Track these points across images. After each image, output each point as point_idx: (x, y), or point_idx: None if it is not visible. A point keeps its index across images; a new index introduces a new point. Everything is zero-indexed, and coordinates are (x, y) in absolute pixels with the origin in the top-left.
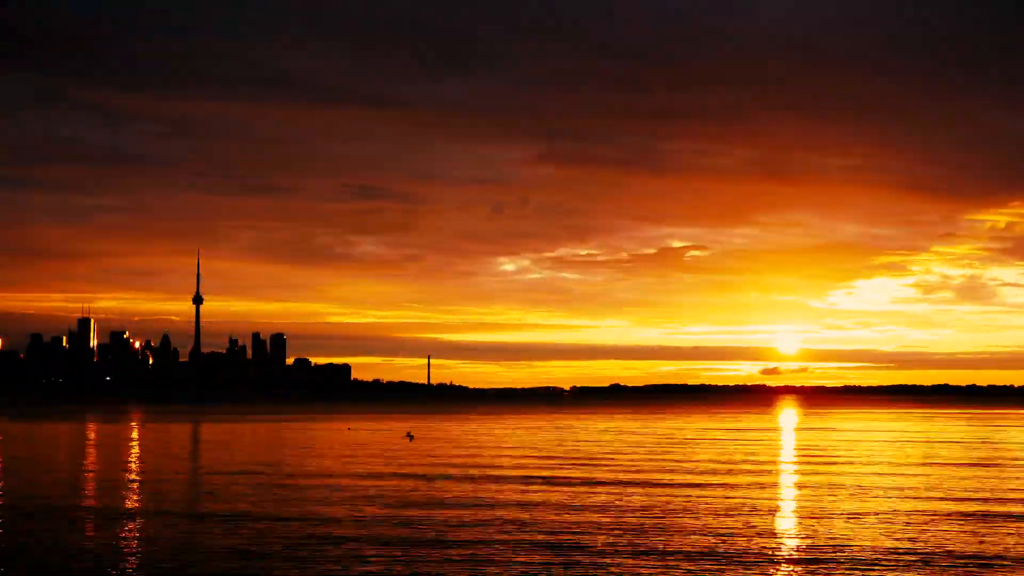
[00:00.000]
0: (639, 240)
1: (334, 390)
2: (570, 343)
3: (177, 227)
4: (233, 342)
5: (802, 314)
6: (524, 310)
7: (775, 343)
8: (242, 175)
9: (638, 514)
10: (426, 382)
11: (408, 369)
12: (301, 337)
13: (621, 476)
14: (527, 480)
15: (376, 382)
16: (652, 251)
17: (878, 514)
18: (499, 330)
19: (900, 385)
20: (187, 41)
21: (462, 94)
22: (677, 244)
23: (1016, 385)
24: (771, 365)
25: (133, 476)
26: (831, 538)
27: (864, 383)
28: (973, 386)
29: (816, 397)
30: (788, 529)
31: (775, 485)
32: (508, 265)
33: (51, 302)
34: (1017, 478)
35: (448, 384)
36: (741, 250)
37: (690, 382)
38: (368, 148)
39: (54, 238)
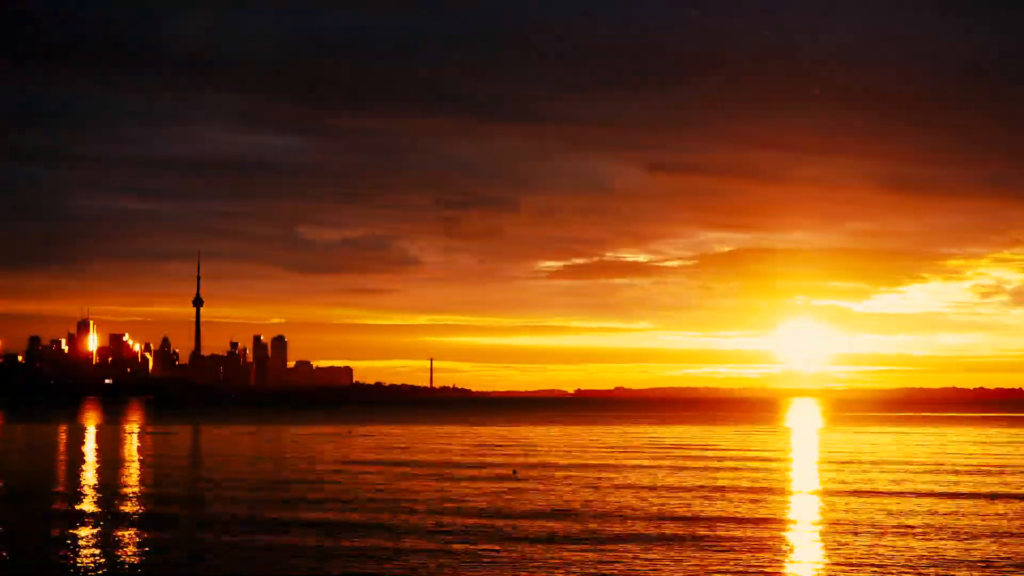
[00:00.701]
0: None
1: (336, 393)
2: (612, 348)
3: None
4: (234, 345)
5: (851, 318)
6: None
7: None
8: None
9: None
10: (428, 385)
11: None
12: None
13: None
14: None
15: (378, 385)
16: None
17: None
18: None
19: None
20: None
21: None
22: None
23: None
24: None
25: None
26: None
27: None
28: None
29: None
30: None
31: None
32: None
33: (50, 304)
34: None
35: (451, 387)
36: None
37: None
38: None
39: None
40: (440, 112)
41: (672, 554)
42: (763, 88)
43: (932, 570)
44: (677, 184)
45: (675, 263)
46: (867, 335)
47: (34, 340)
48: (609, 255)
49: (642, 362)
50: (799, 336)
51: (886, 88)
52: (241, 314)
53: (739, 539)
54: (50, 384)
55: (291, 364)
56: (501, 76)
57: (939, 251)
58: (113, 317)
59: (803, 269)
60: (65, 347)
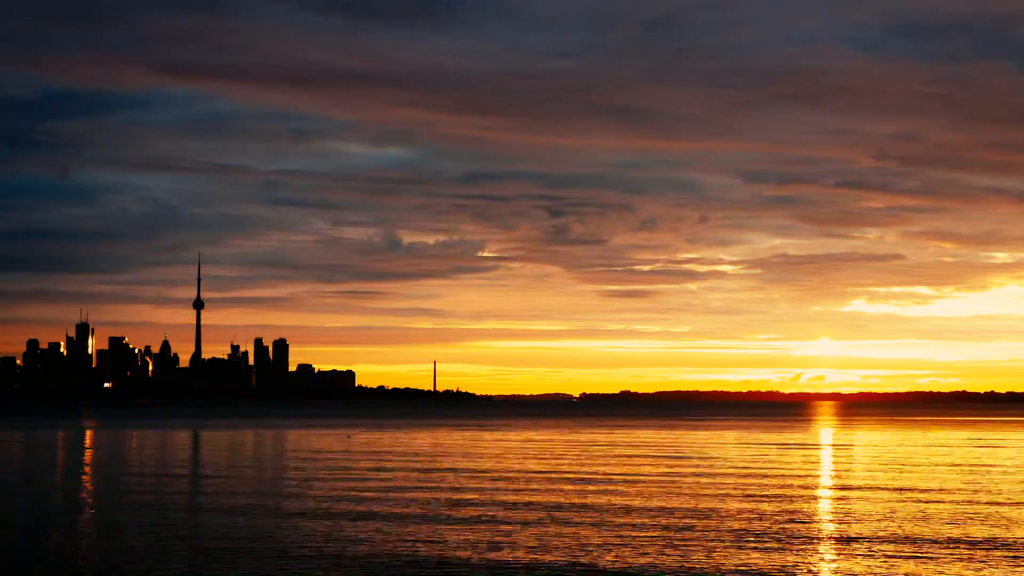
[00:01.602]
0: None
1: (337, 396)
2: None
3: None
4: (235, 348)
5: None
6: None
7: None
8: None
9: None
10: (432, 388)
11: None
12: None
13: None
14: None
15: (380, 388)
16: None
17: None
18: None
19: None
20: None
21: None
22: None
23: None
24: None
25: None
26: None
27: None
28: None
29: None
30: None
31: None
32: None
33: (48, 307)
34: None
35: (455, 391)
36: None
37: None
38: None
39: None
40: None
41: None
42: None
43: None
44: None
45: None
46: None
47: (32, 343)
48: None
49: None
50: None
51: None
52: (242, 317)
53: None
54: (48, 388)
55: (292, 368)
56: None
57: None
58: (112, 320)
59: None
60: (64, 350)
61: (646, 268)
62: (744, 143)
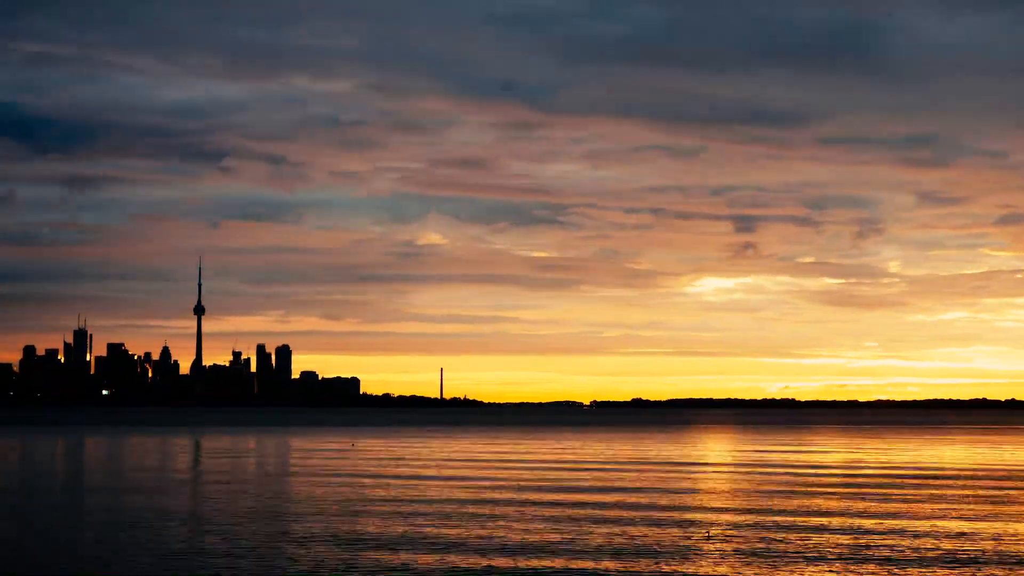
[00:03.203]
0: None
1: (342, 404)
2: None
3: None
4: (237, 355)
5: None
6: None
7: None
8: None
9: None
10: (439, 395)
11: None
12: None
13: None
14: None
15: (386, 396)
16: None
17: None
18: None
19: None
20: None
21: None
22: None
23: None
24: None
25: None
26: None
27: None
28: None
29: None
30: None
31: None
32: None
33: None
34: None
35: (462, 399)
36: None
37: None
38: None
39: None
40: None
41: None
42: None
43: None
44: None
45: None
46: None
47: (29, 349)
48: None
49: None
50: None
51: None
52: (244, 323)
53: None
54: (46, 396)
55: (295, 375)
56: None
57: None
58: (111, 325)
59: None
60: (61, 357)
61: None
62: None
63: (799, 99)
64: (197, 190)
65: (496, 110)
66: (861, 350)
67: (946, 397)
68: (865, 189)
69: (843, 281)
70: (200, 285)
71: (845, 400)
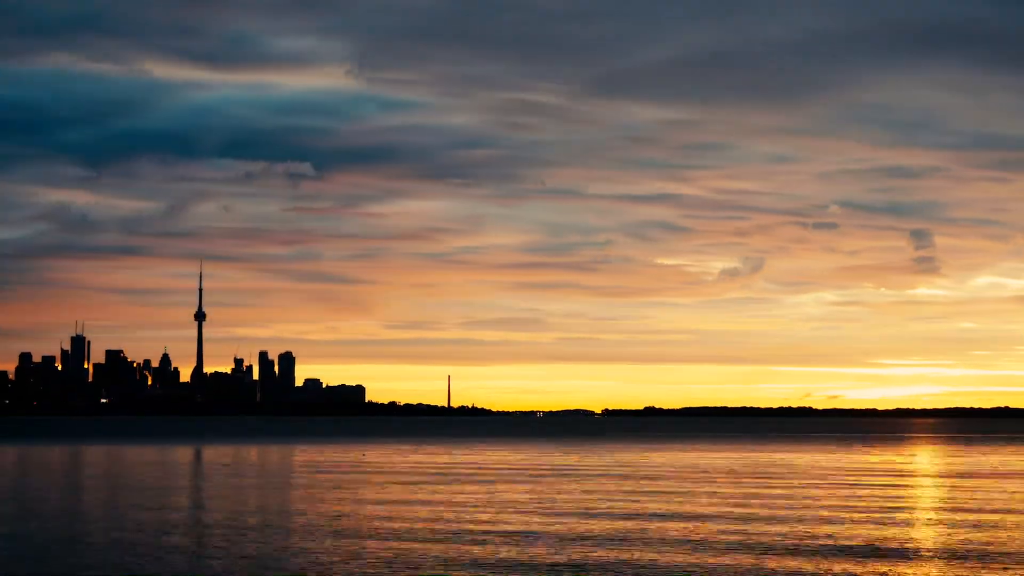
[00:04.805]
0: None
1: (347, 412)
2: None
3: None
4: (239, 362)
5: None
6: None
7: None
8: None
9: None
10: (446, 404)
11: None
12: None
13: None
14: None
15: (392, 404)
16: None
17: None
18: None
19: None
20: None
21: None
22: None
23: None
24: None
25: None
26: None
27: None
28: None
29: None
30: None
31: None
32: None
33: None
34: None
35: (470, 407)
36: None
37: None
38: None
39: None
40: None
41: None
42: None
43: None
44: None
45: None
46: None
47: (25, 356)
48: None
49: None
50: None
51: None
52: (245, 329)
53: None
54: (43, 403)
55: (299, 382)
56: None
57: None
58: (110, 330)
59: None
60: (58, 364)
61: None
62: None
63: None
64: None
65: None
66: None
67: None
68: None
69: None
70: (200, 292)
71: None
